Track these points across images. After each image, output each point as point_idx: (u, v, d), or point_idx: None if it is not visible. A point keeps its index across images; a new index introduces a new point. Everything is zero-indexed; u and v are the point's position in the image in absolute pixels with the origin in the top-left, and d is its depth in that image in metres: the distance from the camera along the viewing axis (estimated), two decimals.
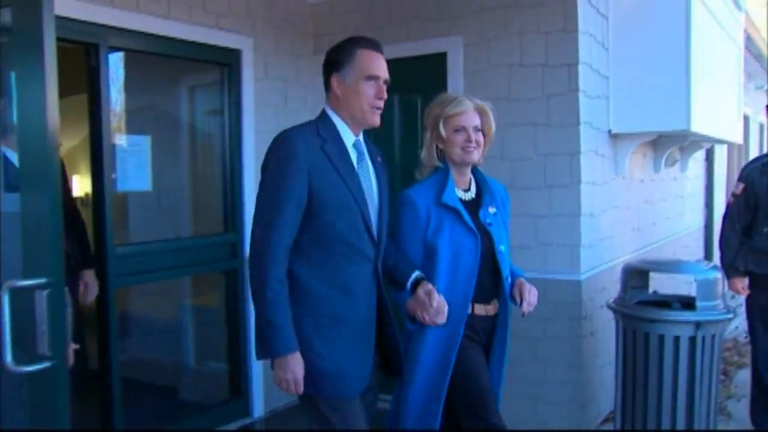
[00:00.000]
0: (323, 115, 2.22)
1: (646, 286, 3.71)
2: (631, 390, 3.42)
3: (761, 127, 10.72)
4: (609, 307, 3.57)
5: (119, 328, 3.54)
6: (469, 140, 2.41)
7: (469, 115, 2.44)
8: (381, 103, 2.19)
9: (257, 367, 4.13)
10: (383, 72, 2.19)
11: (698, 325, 3.28)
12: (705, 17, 4.43)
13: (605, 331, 3.86)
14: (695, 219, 6.81)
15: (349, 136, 2.20)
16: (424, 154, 2.51)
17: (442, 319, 2.24)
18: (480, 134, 2.45)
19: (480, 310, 2.44)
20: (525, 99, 3.70)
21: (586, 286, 3.68)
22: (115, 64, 3.59)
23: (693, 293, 3.38)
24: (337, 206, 2.09)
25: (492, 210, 2.47)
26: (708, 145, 6.24)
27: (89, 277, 3.19)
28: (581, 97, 3.61)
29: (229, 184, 4.06)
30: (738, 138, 6.05)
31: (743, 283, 3.93)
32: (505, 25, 3.76)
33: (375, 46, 2.21)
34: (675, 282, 4.36)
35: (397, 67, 4.12)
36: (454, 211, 2.37)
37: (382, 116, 4.41)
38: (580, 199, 3.62)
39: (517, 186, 3.68)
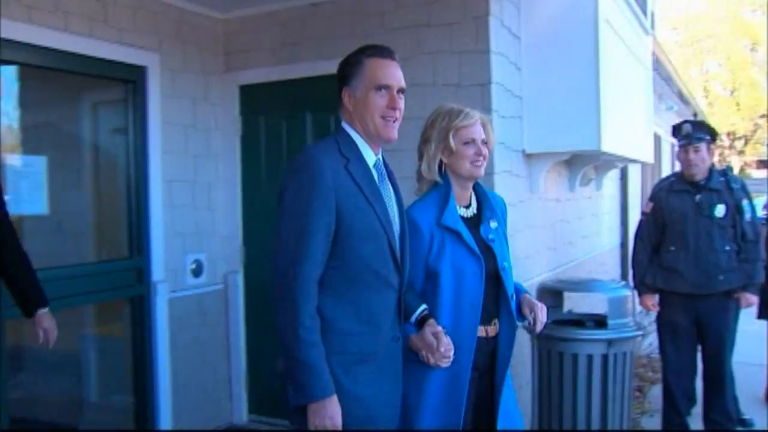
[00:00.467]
0: (341, 131, 2.10)
1: (560, 305, 3.80)
2: (547, 409, 3.49)
3: (672, 146, 11.27)
4: (524, 327, 3.63)
5: (11, 364, 3.34)
6: (478, 153, 2.37)
7: (477, 127, 2.39)
8: (395, 114, 2.07)
9: (165, 399, 3.98)
10: (395, 80, 2.07)
11: (610, 342, 3.39)
12: (613, 40, 4.62)
13: (522, 352, 3.91)
14: (612, 237, 7.06)
15: (370, 156, 2.09)
16: (424, 167, 2.42)
17: (446, 363, 2.16)
18: (485, 147, 2.41)
19: (480, 332, 2.36)
20: None
21: None
22: (6, 79, 3.43)
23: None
24: (365, 233, 1.97)
25: (494, 224, 2.43)
26: (622, 165, 6.49)
27: (46, 321, 2.84)
28: (495, 117, 3.68)
29: (134, 206, 3.93)
30: (649, 157, 6.33)
31: (653, 300, 4.10)
32: (419, 45, 3.82)
33: (385, 52, 2.08)
34: (591, 300, 4.49)
35: (311, 85, 4.16)
36: (456, 233, 2.31)
37: (294, 135, 4.39)
38: None
39: None
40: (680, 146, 4.12)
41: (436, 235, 2.30)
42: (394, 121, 2.08)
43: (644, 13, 6.38)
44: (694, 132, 4.07)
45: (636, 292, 4.20)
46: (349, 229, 1.95)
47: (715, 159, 4.74)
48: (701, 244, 3.95)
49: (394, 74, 2.07)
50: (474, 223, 2.41)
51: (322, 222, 1.90)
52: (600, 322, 3.54)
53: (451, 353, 2.15)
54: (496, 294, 2.40)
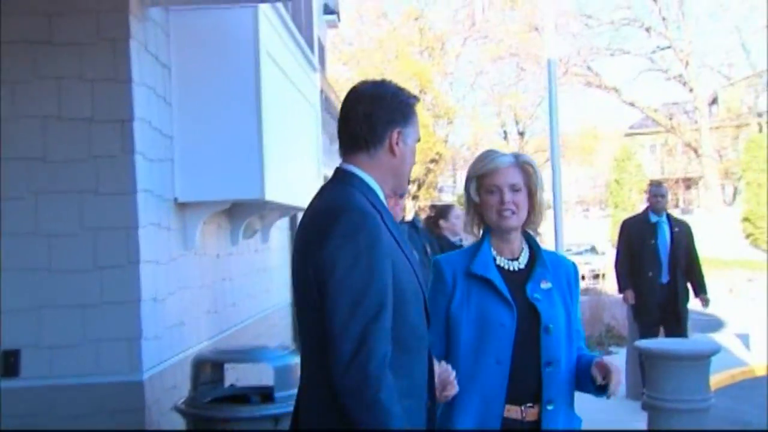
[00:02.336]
0: (356, 179, 2.01)
1: (221, 379, 3.78)
2: None
3: None
4: (177, 409, 3.52)
5: None
6: (502, 202, 2.34)
7: (502, 173, 2.37)
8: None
9: None
10: None
11: (277, 419, 3.42)
12: (277, 76, 4.82)
13: None
14: (283, 294, 7.28)
15: (387, 206, 2.08)
16: (465, 222, 2.53)
17: (451, 390, 2.11)
18: (520, 195, 2.38)
19: (513, 412, 2.26)
20: (66, 161, 3.56)
21: (150, 387, 3.62)
22: None
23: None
24: (411, 294, 1.97)
25: (545, 285, 2.38)
26: (292, 213, 6.77)
27: None
28: (138, 159, 3.60)
29: None
30: None
31: None
32: (35, 67, 3.59)
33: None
34: (257, 371, 4.54)
35: None
36: (486, 281, 2.33)
37: None
38: (139, 282, 3.59)
39: (58, 269, 3.54)
40: None
41: (459, 283, 2.36)
42: None
43: (311, 47, 6.82)
44: None
45: None
46: (402, 293, 1.93)
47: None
48: None
49: None
50: (519, 277, 2.41)
51: (389, 292, 1.87)
52: (266, 396, 3.57)
53: (452, 377, 2.12)
54: (538, 364, 2.31)
